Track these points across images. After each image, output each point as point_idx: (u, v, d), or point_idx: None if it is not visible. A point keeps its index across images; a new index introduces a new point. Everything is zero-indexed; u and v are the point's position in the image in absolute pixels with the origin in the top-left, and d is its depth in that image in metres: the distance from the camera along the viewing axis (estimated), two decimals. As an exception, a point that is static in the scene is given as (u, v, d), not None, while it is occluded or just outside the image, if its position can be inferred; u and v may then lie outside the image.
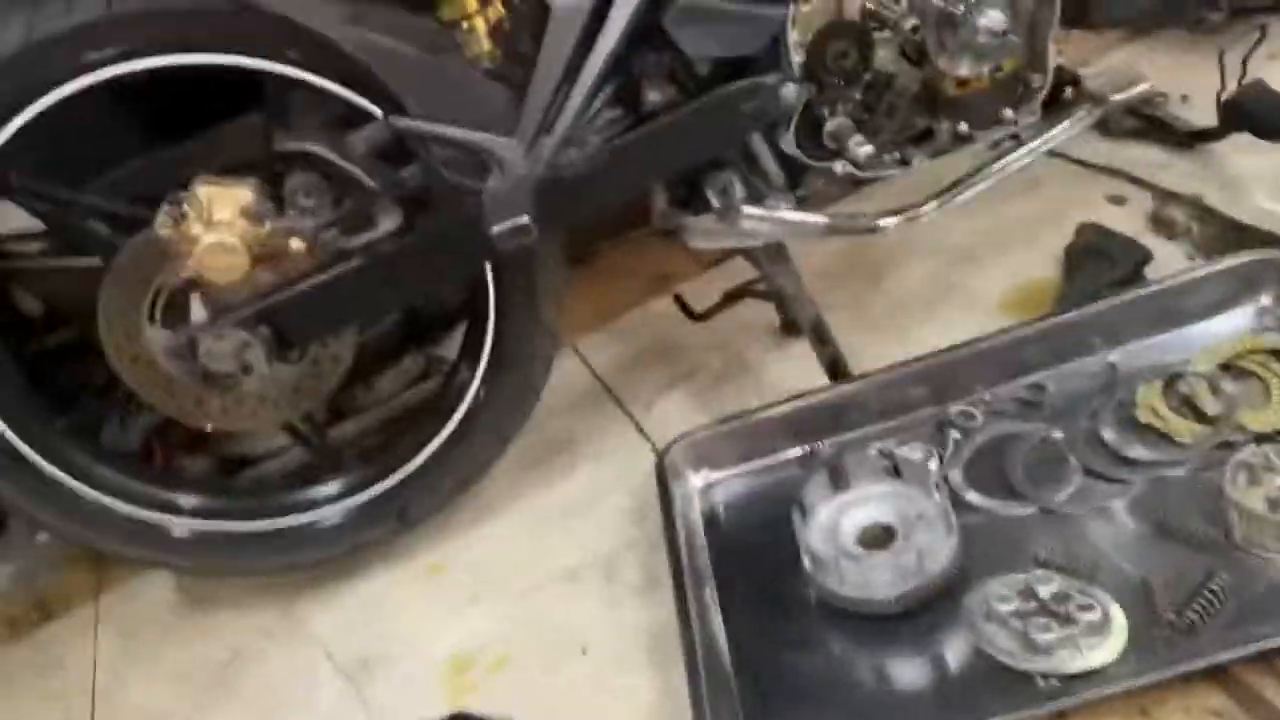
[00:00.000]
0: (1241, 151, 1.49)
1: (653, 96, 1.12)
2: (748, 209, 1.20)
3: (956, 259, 1.52)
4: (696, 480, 1.31)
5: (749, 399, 1.44)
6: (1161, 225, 1.45)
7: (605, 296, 1.69)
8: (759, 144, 1.17)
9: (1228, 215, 1.42)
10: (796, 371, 1.41)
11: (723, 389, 1.48)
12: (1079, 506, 1.11)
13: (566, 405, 1.54)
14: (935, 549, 1.08)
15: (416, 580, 1.35)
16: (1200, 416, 1.13)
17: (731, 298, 1.54)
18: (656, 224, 1.25)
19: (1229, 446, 1.08)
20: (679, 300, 1.57)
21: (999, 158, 1.20)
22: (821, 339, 1.33)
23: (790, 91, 1.11)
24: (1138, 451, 1.13)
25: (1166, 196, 1.49)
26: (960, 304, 1.46)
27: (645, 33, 1.09)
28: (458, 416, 1.26)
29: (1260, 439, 1.08)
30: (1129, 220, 1.48)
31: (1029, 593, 1.00)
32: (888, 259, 1.56)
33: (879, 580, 1.07)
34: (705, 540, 1.24)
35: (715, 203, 1.18)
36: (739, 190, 1.19)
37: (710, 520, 1.27)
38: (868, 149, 1.14)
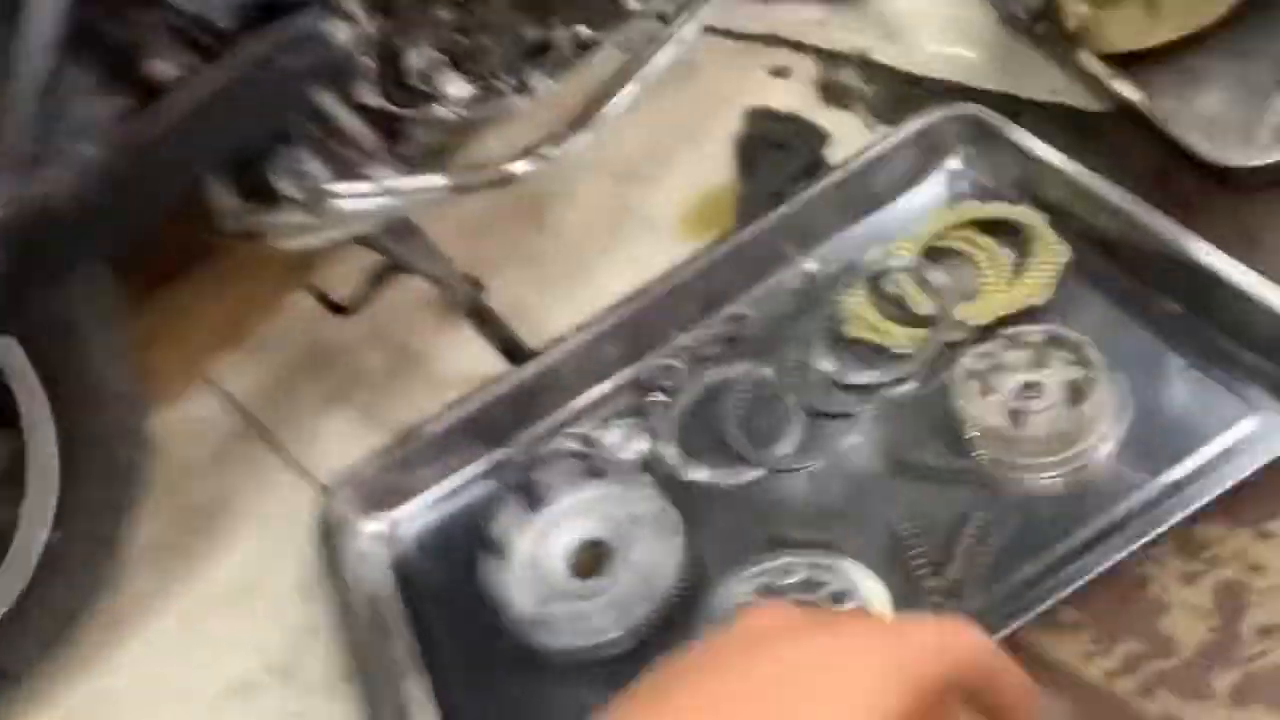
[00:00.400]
0: (897, -8, 1.35)
1: (157, 69, 0.82)
2: (339, 186, 0.93)
3: (623, 178, 1.31)
4: (372, 526, 1.05)
5: (424, 401, 1.19)
6: (832, 94, 1.29)
7: (229, 307, 1.38)
8: (331, 102, 0.90)
9: (898, 68, 1.28)
10: (474, 353, 1.17)
11: (391, 396, 1.22)
12: (807, 458, 0.94)
13: (207, 456, 1.24)
14: (659, 559, 0.88)
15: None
16: (915, 319, 0.99)
17: (378, 278, 1.27)
18: (227, 229, 0.96)
19: (954, 348, 0.94)
20: (317, 293, 1.29)
21: (638, 58, 0.98)
22: (483, 319, 1.09)
23: (341, 31, 0.84)
24: (857, 375, 0.97)
25: (831, 59, 1.33)
26: (638, 232, 1.25)
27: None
28: (36, 542, 0.95)
29: (983, 333, 0.94)
30: (797, 95, 1.30)
31: (772, 590, 0.83)
32: (546, 192, 1.33)
33: (603, 619, 0.86)
34: (396, 601, 1.00)
35: (291, 191, 0.91)
36: (318, 167, 0.92)
37: (399, 572, 1.02)
38: (466, 87, 0.89)
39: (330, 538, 1.04)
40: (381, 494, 1.06)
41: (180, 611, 1.10)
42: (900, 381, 0.95)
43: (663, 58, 0.99)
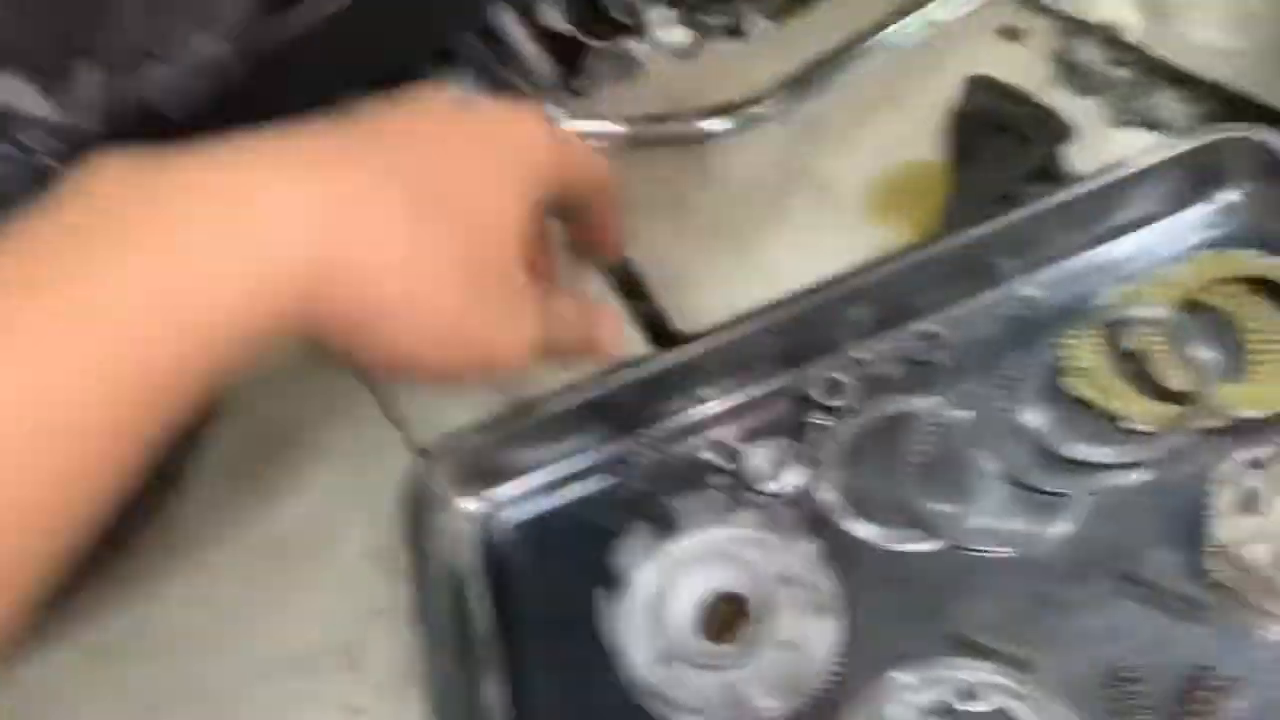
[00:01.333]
0: (1169, -42, 1.12)
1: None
2: (499, 121, 0.76)
3: (805, 132, 1.12)
4: (469, 504, 0.92)
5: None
6: (1071, 72, 1.08)
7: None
8: (510, 23, 0.73)
9: (1156, 55, 1.07)
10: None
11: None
12: (1003, 539, 0.78)
13: (285, 370, 1.11)
14: (808, 642, 0.74)
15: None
16: (1160, 390, 0.81)
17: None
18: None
19: (1208, 438, 0.77)
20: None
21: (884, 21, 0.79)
22: (631, 292, 0.93)
23: (540, -62, 0.67)
24: (1077, 446, 0.81)
25: (1074, 27, 1.11)
26: (815, 201, 1.07)
27: None
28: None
29: (1251, 429, 0.76)
30: (1028, 66, 1.10)
31: (954, 715, 0.69)
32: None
33: (721, 701, 0.73)
34: (484, 592, 0.87)
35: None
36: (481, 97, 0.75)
37: (493, 566, 0.89)
38: (679, 30, 0.71)
39: (418, 510, 0.90)
40: (484, 469, 0.92)
41: (236, 555, 0.98)
42: (1133, 466, 0.78)
43: (907, 33, 0.79)
